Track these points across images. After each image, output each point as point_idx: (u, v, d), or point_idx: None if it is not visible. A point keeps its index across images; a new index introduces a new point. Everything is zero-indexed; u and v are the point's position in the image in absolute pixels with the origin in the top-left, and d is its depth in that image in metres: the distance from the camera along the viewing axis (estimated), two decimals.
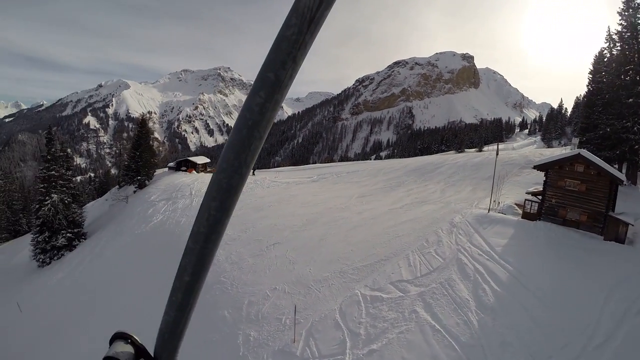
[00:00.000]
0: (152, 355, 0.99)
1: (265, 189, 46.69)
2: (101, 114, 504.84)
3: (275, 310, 19.36)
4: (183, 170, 63.85)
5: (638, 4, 39.34)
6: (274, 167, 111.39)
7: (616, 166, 39.44)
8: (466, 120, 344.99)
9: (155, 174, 62.37)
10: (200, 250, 0.83)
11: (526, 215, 28.43)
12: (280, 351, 16.50)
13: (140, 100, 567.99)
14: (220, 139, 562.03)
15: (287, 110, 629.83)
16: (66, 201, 43.25)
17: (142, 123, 61.39)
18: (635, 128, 37.30)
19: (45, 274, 37.03)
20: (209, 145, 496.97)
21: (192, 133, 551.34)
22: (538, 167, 28.83)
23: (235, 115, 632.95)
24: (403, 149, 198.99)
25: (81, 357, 20.27)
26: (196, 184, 49.18)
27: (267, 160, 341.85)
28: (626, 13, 39.65)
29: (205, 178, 56.14)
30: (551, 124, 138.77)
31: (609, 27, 42.43)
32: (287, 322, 18.22)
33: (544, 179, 28.42)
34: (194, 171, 63.37)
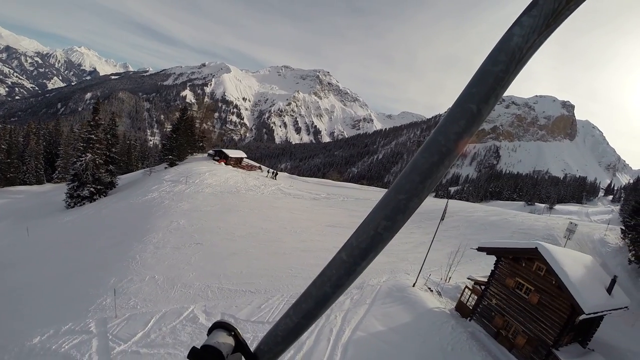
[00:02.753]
0: (253, 352, 0.99)
1: (258, 194, 46.30)
2: (198, 91, 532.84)
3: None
4: (216, 160, 64.23)
5: None
6: (318, 177, 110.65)
7: None
8: (553, 173, 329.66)
9: (193, 156, 66.16)
10: (352, 265, 0.79)
11: (460, 307, 22.15)
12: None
13: (237, 86, 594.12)
14: (306, 138, 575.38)
15: (376, 124, 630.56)
16: (97, 161, 49.94)
17: (183, 110, 67.32)
18: None
19: (64, 214, 43.41)
20: (293, 142, 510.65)
21: (280, 127, 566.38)
22: (486, 251, 21.84)
23: (326, 119, 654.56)
24: (476, 188, 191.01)
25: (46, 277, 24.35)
26: (207, 174, 49.26)
27: (344, 168, 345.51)
28: None
29: (229, 170, 56.28)
30: (632, 195, 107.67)
31: None
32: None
33: (493, 267, 21.47)
34: (223, 163, 63.28)
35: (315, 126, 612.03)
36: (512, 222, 44.80)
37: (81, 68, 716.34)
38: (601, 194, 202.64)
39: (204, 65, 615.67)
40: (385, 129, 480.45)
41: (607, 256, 36.03)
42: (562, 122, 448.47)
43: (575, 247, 36.20)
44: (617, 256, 35.86)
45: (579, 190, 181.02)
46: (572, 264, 18.03)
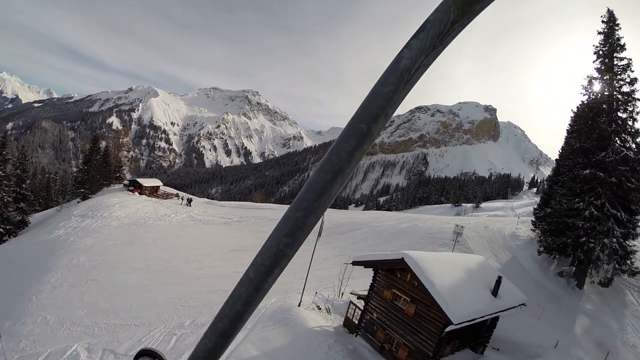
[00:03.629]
0: None
1: (166, 223, 46.19)
2: (125, 117, 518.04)
3: None
4: (130, 190, 63.11)
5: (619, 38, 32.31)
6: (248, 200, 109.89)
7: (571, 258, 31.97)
8: (480, 173, 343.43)
9: (109, 188, 64.44)
10: (259, 282, 0.80)
11: (347, 323, 21.53)
12: None
13: (165, 110, 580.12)
14: (237, 160, 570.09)
15: (306, 141, 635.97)
16: (6, 199, 46.95)
17: (94, 140, 66.15)
18: (587, 212, 29.59)
19: None
20: (224, 165, 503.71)
21: (210, 150, 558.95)
22: (362, 264, 21.47)
23: (256, 139, 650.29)
24: (405, 196, 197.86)
25: None
26: (117, 207, 48.55)
27: (276, 188, 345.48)
28: (604, 49, 32.60)
29: (141, 201, 55.68)
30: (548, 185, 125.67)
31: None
32: None
33: (372, 281, 20.78)
34: (137, 193, 62.33)
35: (246, 147, 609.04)
36: (422, 227, 45.81)
37: (2, 95, 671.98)
38: (526, 187, 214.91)
39: (130, 89, 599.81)
40: (315, 145, 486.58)
41: (517, 250, 37.68)
42: (486, 125, 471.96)
43: (486, 244, 38.04)
44: (528, 248, 37.35)
45: (504, 187, 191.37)
46: (447, 271, 17.77)
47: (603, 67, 31.98)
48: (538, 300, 27.83)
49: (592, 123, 31.37)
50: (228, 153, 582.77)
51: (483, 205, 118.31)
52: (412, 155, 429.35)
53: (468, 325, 16.23)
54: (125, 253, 33.70)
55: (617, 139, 31.08)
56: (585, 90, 32.85)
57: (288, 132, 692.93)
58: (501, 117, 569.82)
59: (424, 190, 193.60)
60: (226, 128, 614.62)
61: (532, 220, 41.87)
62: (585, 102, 33.18)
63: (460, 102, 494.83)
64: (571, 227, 30.57)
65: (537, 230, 38.79)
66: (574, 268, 31.47)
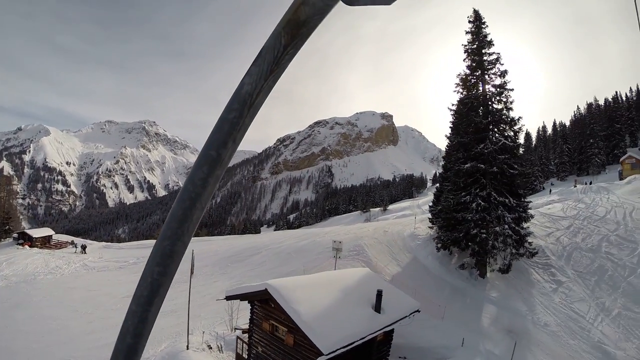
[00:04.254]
0: None
1: (57, 276, 42.50)
2: (17, 160, 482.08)
3: None
4: (20, 244, 58.14)
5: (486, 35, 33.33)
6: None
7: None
8: (384, 177, 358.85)
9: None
10: (143, 313, 0.84)
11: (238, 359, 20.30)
12: None
13: (59, 149, 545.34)
14: (141, 195, 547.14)
15: None
16: None
17: None
18: (475, 204, 29.86)
19: None
20: (128, 203, 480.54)
21: (111, 188, 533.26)
22: (237, 298, 19.62)
23: (158, 171, 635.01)
24: (317, 209, 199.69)
25: None
26: (5, 264, 44.67)
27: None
28: (472, 47, 33.44)
29: (32, 254, 51.24)
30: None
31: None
32: None
33: (250, 313, 19.23)
34: (27, 246, 57.51)
35: (149, 181, 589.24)
36: (320, 242, 44.82)
37: None
38: (429, 184, 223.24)
39: (20, 129, 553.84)
40: None
41: (417, 249, 37.54)
42: (384, 131, 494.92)
43: (385, 249, 37.78)
44: (428, 246, 37.31)
45: (408, 187, 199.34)
46: (320, 294, 16.76)
47: (474, 64, 33.00)
48: (443, 296, 27.80)
49: (467, 118, 32.09)
50: (131, 189, 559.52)
51: (390, 207, 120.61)
52: (316, 169, 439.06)
53: (351, 348, 14.89)
54: (12, 316, 30.39)
55: (495, 129, 31.91)
56: (460, 88, 33.69)
57: (190, 161, 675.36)
58: (398, 122, 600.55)
59: (332, 202, 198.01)
60: (126, 163, 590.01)
61: (429, 218, 42.18)
62: (460, 99, 33.89)
63: (357, 113, 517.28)
64: (461, 221, 30.79)
65: (434, 227, 38.96)
66: (474, 259, 31.52)
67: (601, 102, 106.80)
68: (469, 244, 30.52)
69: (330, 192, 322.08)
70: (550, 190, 68.85)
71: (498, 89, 32.34)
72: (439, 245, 34.59)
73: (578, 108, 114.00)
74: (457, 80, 33.85)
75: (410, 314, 18.66)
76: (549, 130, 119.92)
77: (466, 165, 30.52)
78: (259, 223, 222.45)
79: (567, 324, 24.60)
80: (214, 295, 31.58)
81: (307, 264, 35.03)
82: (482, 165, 29.99)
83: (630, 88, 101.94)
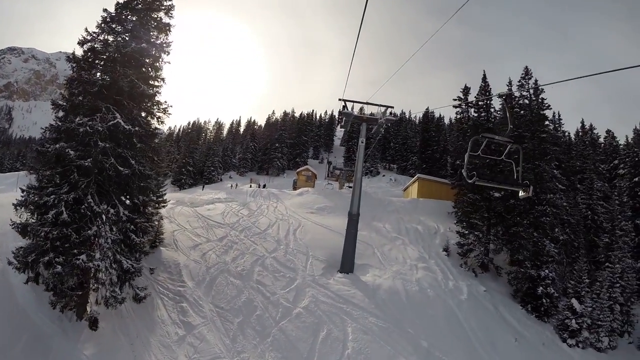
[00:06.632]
0: None
1: None
2: None
3: None
4: None
5: None
6: None
7: None
8: None
9: None
10: None
11: None
12: None
13: None
14: None
15: None
16: None
17: None
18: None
19: None
20: None
21: None
22: None
23: None
24: None
25: None
26: None
27: None
28: None
29: None
30: None
31: None
32: None
33: None
34: None
35: None
36: None
37: None
38: None
39: None
40: None
41: None
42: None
43: None
44: None
45: None
46: None
47: None
48: (17, 347, 14.85)
49: None
50: None
51: None
52: None
53: None
54: None
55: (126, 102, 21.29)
56: None
57: None
58: None
59: (4, 153, 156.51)
60: None
61: None
62: None
63: (61, 52, 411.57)
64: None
65: None
66: (54, 297, 19.10)
67: (297, 115, 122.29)
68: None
69: (5, 140, 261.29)
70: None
71: None
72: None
73: (274, 113, 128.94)
74: None
75: None
76: (243, 126, 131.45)
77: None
78: None
79: None
80: None
81: None
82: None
83: (326, 111, 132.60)
